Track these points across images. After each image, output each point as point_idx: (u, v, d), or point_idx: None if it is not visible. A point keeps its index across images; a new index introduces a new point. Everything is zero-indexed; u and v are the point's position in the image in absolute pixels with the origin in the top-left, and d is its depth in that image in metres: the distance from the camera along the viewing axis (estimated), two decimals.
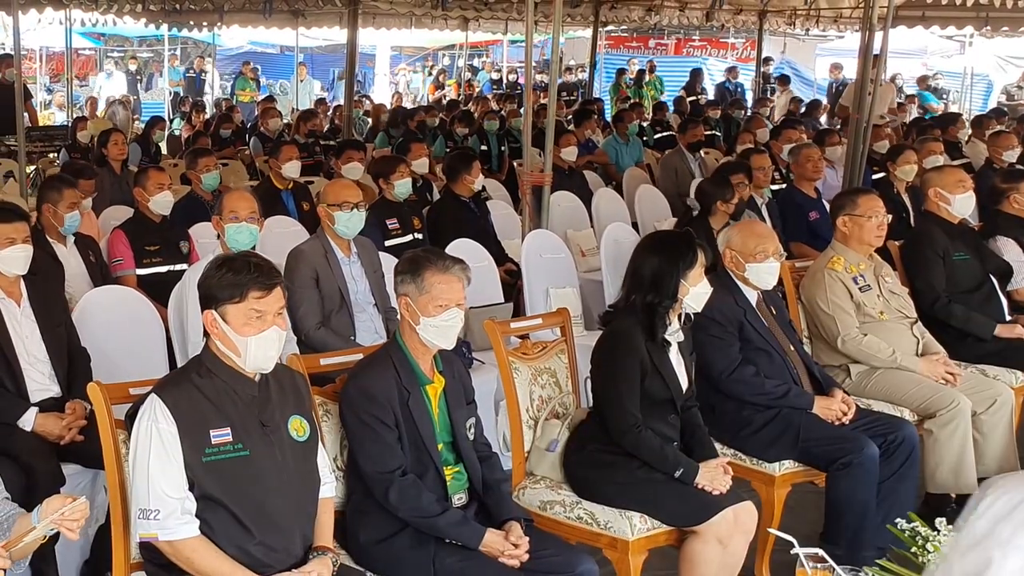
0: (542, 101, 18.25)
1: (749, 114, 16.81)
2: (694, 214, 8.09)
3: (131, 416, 3.78)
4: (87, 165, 9.95)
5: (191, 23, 20.82)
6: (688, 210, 8.52)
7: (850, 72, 21.59)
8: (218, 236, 6.14)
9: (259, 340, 3.70)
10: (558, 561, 4.09)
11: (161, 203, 7.36)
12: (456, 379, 4.36)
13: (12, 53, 15.20)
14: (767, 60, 22.82)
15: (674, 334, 4.85)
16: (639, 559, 4.59)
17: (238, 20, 20.28)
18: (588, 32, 20.47)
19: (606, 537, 4.61)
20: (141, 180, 7.45)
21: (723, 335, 5.33)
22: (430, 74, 32.31)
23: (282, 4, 15.01)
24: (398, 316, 6.25)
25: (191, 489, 3.62)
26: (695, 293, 4.84)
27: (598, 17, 18.02)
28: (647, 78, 24.21)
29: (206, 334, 3.82)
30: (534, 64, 31.57)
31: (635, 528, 4.57)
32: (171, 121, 19.55)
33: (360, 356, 4.55)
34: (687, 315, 4.93)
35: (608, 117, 18.33)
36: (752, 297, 5.48)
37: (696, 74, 24.14)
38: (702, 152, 12.28)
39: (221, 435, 3.68)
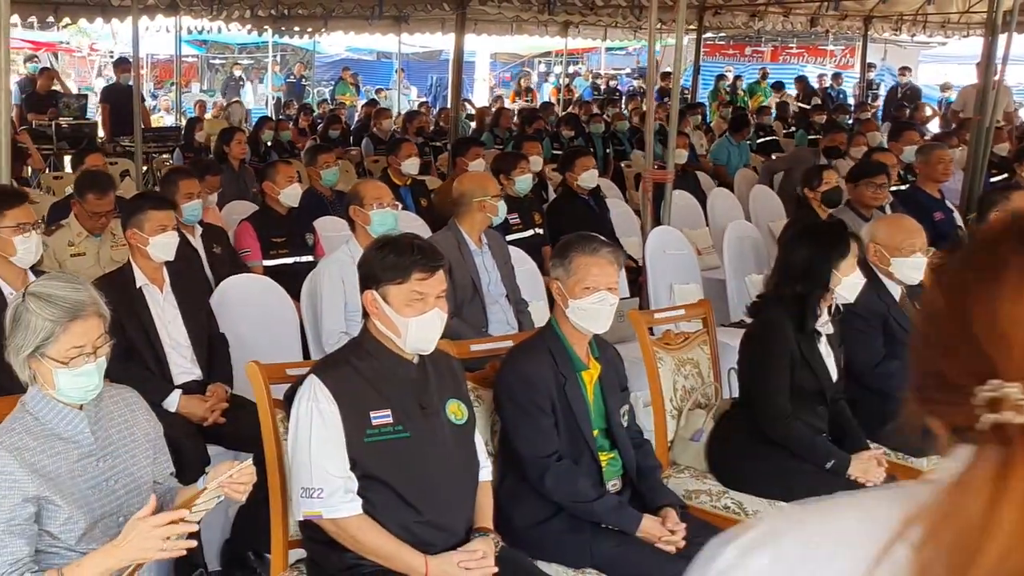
0: (645, 106, 18.29)
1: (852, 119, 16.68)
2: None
3: (289, 398, 3.77)
4: (212, 161, 10.08)
5: (295, 29, 21.01)
6: (799, 200, 8.54)
7: (956, 78, 21.31)
8: (352, 227, 6.16)
9: (420, 322, 3.66)
10: None
11: (291, 195, 7.44)
12: (611, 365, 4.30)
13: (127, 58, 15.54)
14: (870, 66, 22.58)
15: (824, 325, 4.77)
16: None
17: (342, 26, 20.40)
18: (686, 39, 20.37)
19: None
20: (270, 174, 7.53)
21: (866, 328, 5.23)
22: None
23: (391, 8, 15.08)
24: (528, 307, 6.33)
25: (353, 469, 3.60)
26: (848, 283, 4.76)
27: (702, 23, 17.92)
28: (760, 85, 24.10)
29: (365, 315, 3.78)
30: (631, 70, 31.46)
31: None
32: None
33: (510, 343, 4.51)
34: (837, 306, 4.85)
35: (710, 122, 18.31)
36: (895, 292, 5.38)
37: (802, 81, 24.03)
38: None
39: (381, 416, 3.64)
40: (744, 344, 4.85)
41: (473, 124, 17.51)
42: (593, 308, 4.12)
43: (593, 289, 4.11)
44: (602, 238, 4.37)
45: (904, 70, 22.78)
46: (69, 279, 3.41)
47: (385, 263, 3.67)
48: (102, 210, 6.67)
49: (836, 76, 24.94)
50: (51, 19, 16.61)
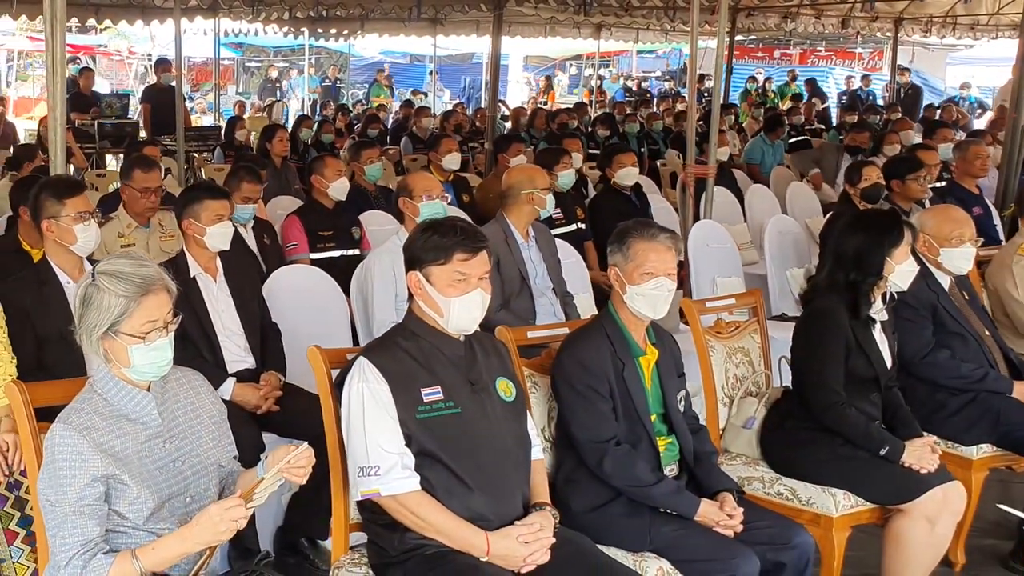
0: (679, 107, 18.30)
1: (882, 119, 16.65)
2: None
3: (339, 384, 3.76)
4: (257, 158, 10.16)
5: (332, 31, 21.05)
6: (841, 195, 8.54)
7: (982, 79, 21.17)
8: (401, 219, 6.16)
9: (462, 301, 3.65)
10: (773, 533, 3.99)
11: (339, 189, 7.43)
12: (668, 351, 4.27)
13: (167, 58, 15.63)
14: (901, 68, 22.54)
15: (878, 313, 4.73)
16: (843, 535, 4.49)
17: (378, 28, 20.46)
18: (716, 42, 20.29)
19: (808, 513, 4.52)
20: (319, 167, 7.51)
21: (915, 318, 5.20)
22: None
23: (428, 10, 15.10)
24: (573, 300, 6.30)
25: (408, 446, 3.57)
26: (900, 271, 4.73)
27: (734, 25, 17.87)
28: (789, 87, 24.12)
29: (410, 297, 3.77)
30: (662, 73, 31.49)
31: (839, 505, 4.47)
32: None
33: (566, 330, 4.48)
34: (890, 294, 4.80)
35: (742, 122, 18.32)
36: (945, 282, 5.35)
37: (811, 83, 24.03)
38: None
39: (432, 393, 3.63)
40: (798, 332, 4.82)
41: (508, 125, 17.53)
42: (651, 294, 4.08)
43: (651, 275, 4.07)
44: (660, 224, 4.33)
45: (904, 71, 22.73)
46: (135, 256, 3.41)
47: (428, 244, 3.67)
48: (151, 185, 6.70)
49: (864, 78, 24.96)
50: (92, 21, 16.72)
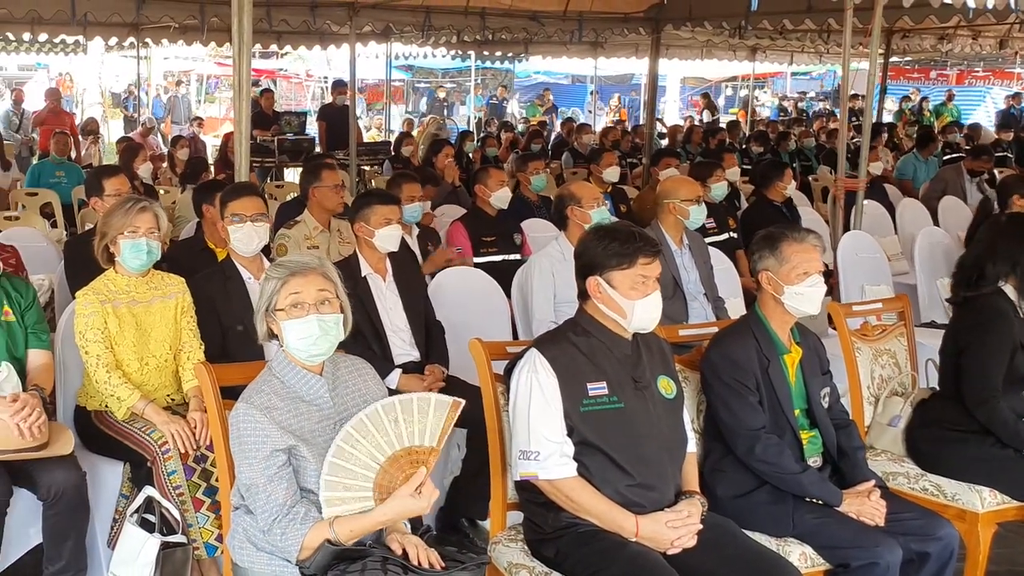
0: (831, 125, 18.07)
1: None
2: (995, 207, 8.05)
3: (509, 371, 3.86)
4: (432, 174, 10.36)
5: (497, 53, 21.31)
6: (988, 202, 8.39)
7: None
8: (561, 226, 6.24)
9: (644, 303, 3.73)
10: (918, 524, 3.96)
11: (501, 198, 7.54)
12: (812, 350, 4.28)
13: (343, 80, 16.05)
14: None
15: None
16: (989, 532, 4.45)
17: (541, 51, 20.62)
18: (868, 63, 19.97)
19: (953, 509, 4.47)
20: (483, 178, 7.65)
21: None
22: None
23: (589, 33, 15.21)
24: (724, 304, 6.32)
25: (570, 435, 3.67)
26: None
27: (889, 46, 17.55)
28: (946, 106, 23.68)
29: (582, 298, 3.84)
30: (816, 94, 31.12)
31: (985, 501, 4.43)
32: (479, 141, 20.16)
33: (715, 329, 4.52)
34: None
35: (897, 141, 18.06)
36: None
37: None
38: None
39: (597, 388, 3.71)
40: (959, 326, 4.81)
41: (665, 142, 17.53)
42: (810, 291, 4.13)
43: (807, 273, 4.11)
44: (805, 227, 4.35)
45: (1016, 97, 22.14)
46: (307, 253, 3.62)
47: (609, 251, 3.74)
48: (338, 182, 6.99)
49: (1015, 95, 24.27)
50: (274, 47, 17.25)
